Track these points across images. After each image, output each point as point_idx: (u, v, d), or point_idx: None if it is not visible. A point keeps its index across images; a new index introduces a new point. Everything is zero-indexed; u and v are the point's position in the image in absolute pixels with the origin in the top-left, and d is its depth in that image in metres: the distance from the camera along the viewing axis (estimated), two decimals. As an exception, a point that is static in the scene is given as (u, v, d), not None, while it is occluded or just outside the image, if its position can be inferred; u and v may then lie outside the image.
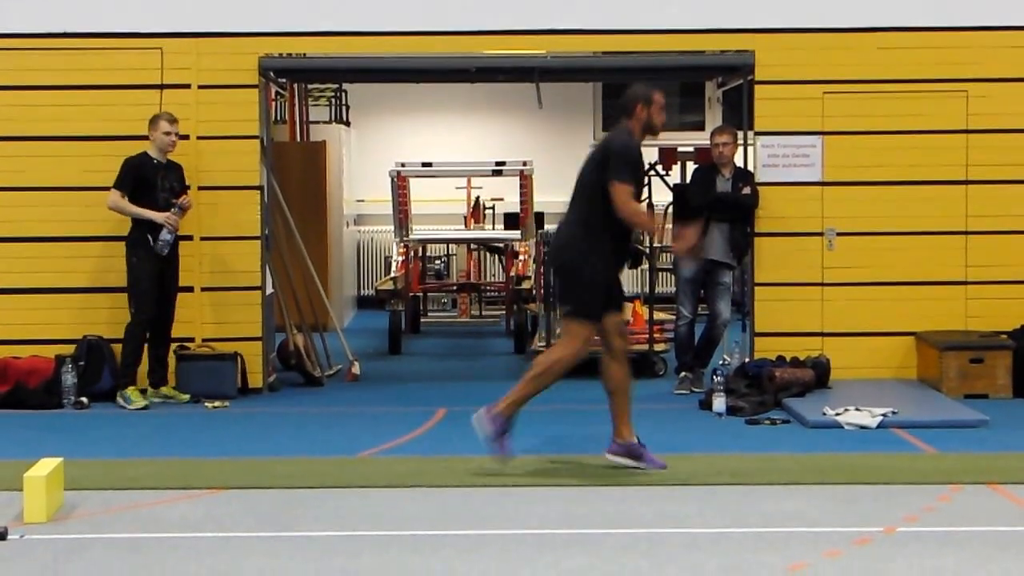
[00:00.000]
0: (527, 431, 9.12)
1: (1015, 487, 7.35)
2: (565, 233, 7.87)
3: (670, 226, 12.67)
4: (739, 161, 10.95)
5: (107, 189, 10.20)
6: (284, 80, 13.27)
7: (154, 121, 10.20)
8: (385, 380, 11.64)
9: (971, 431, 9.06)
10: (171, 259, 10.22)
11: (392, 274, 14.33)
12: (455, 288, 15.70)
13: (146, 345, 10.28)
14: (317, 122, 15.85)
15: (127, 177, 10.14)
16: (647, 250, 11.84)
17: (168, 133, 10.18)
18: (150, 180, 10.16)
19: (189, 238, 10.59)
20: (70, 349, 10.39)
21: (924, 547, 6.20)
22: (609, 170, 7.61)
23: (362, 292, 17.04)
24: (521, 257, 14.42)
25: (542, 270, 12.03)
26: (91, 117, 10.62)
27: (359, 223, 17.02)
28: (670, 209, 12.15)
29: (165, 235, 10.07)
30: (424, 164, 14.72)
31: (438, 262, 16.11)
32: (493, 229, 16.03)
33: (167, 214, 10.10)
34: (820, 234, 10.75)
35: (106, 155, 10.32)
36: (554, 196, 16.06)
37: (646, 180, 14.72)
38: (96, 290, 10.57)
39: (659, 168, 14.55)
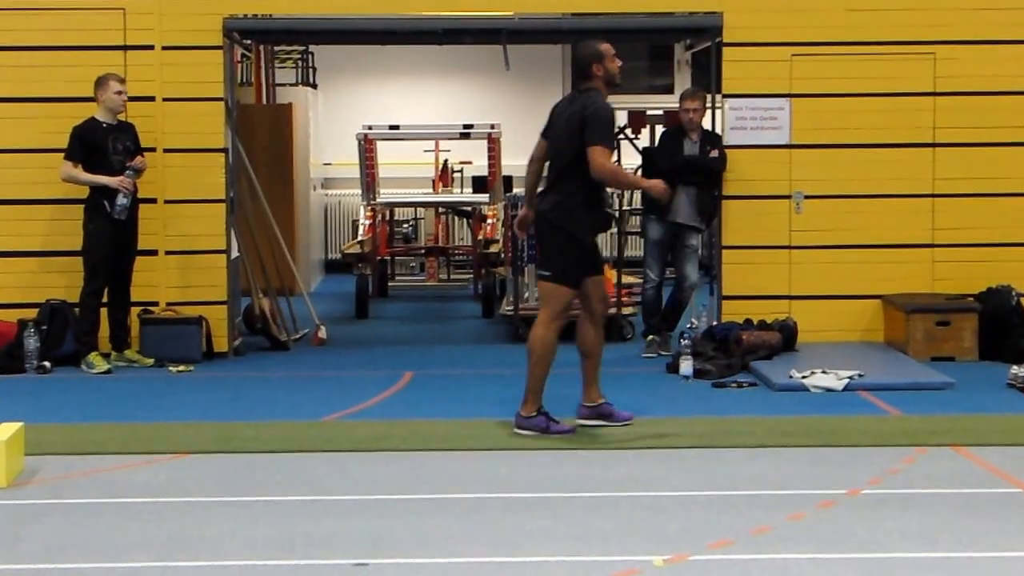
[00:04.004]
0: (493, 395, 9.14)
1: (979, 449, 7.37)
2: (547, 200, 7.86)
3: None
4: (707, 124, 10.92)
5: (70, 151, 10.12)
6: (249, 41, 13.15)
7: (102, 82, 10.06)
8: (351, 344, 11.60)
9: (937, 393, 9.08)
10: (129, 222, 10.11)
11: (359, 238, 14.27)
12: (423, 252, 15.69)
13: (105, 309, 10.20)
14: (283, 84, 15.76)
15: (77, 145, 10.03)
16: (616, 214, 11.81)
17: (120, 92, 10.07)
18: (101, 145, 10.04)
19: (153, 201, 10.51)
20: (33, 313, 10.30)
21: (887, 509, 6.20)
22: (586, 134, 7.62)
23: (329, 256, 17.01)
24: (489, 221, 14.37)
25: (510, 234, 11.97)
26: (53, 78, 10.51)
27: (326, 186, 16.96)
28: (639, 172, 12.13)
29: (121, 199, 9.96)
30: (391, 127, 14.68)
31: (406, 226, 16.07)
32: (461, 192, 16.00)
33: (120, 178, 9.98)
34: (788, 197, 10.72)
35: (68, 117, 10.17)
36: (522, 159, 16.05)
37: (614, 145, 14.85)
38: (58, 253, 10.46)
39: (628, 131, 14.53)
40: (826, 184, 10.75)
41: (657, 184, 8.16)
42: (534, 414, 7.81)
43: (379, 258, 14.48)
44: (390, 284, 15.27)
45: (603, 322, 8.02)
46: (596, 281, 7.90)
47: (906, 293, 10.68)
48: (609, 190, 11.25)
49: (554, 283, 7.77)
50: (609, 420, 7.95)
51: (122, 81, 10.13)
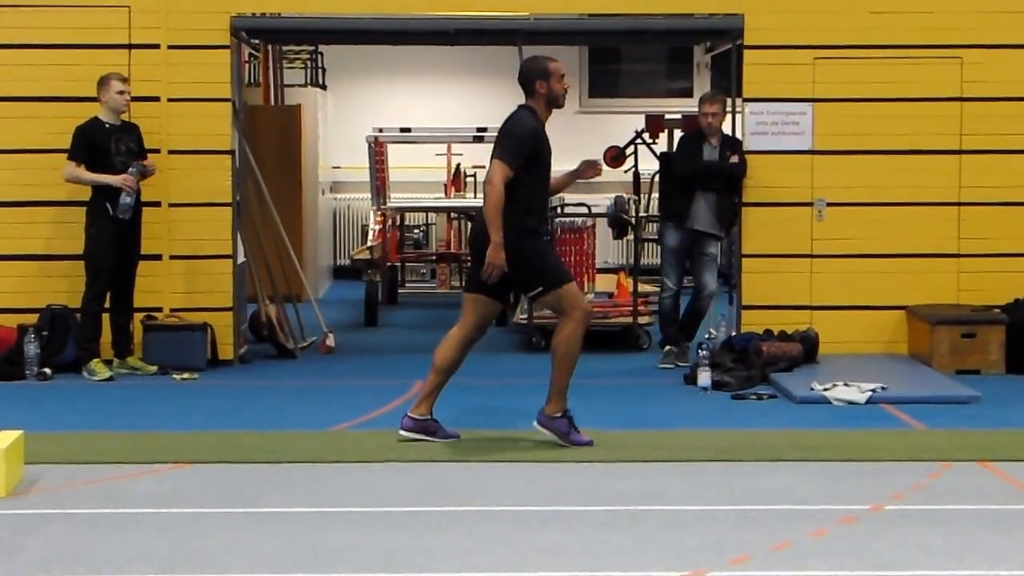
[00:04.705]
0: (505, 405, 8.99)
1: (1005, 464, 7.28)
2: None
3: (656, 195, 12.52)
4: (727, 129, 10.79)
5: (74, 151, 10.03)
6: (257, 41, 13.08)
7: (104, 82, 9.98)
8: (360, 352, 11.53)
9: (962, 407, 8.99)
10: (132, 226, 10.01)
11: (369, 243, 14.20)
12: (434, 258, 15.69)
13: (107, 315, 10.11)
14: (292, 85, 15.74)
15: (80, 145, 9.95)
16: (632, 220, 11.67)
17: (122, 92, 10.00)
18: (103, 145, 9.96)
19: (157, 204, 10.42)
20: (33, 318, 10.20)
21: (911, 525, 6.10)
22: (494, 147, 7.64)
23: (338, 262, 17.03)
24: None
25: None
26: (56, 77, 10.40)
27: (335, 190, 16.98)
28: (656, 178, 12.02)
29: (124, 199, 9.86)
30: (403, 130, 14.62)
31: (417, 231, 16.10)
32: (474, 197, 15.86)
33: (123, 176, 9.88)
34: (809, 204, 10.61)
35: (71, 117, 10.05)
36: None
37: (631, 150, 14.68)
38: (59, 257, 10.35)
39: (646, 136, 14.40)
40: (849, 191, 10.65)
41: (494, 258, 7.46)
42: (558, 415, 7.64)
43: (389, 264, 14.42)
44: (400, 291, 15.20)
45: (470, 347, 7.76)
46: (492, 304, 7.71)
47: (931, 304, 10.59)
48: (626, 195, 11.12)
49: (550, 291, 7.58)
50: (434, 436, 7.74)
51: (125, 81, 10.05)
